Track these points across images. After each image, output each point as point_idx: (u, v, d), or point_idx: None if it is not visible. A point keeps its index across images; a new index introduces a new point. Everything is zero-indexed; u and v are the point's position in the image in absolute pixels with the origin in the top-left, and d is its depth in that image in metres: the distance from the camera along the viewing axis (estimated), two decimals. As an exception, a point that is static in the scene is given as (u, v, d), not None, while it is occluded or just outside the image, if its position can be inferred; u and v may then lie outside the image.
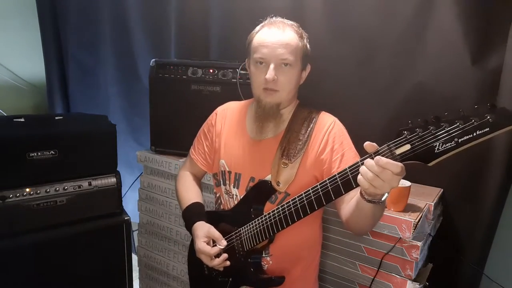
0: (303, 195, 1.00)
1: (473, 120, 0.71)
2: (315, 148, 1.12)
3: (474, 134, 0.71)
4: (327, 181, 0.94)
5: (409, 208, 1.32)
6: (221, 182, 1.26)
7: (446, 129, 0.74)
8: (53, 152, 1.58)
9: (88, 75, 2.76)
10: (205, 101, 1.72)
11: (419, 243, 1.25)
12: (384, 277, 1.33)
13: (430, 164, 0.77)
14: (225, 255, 1.13)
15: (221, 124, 1.27)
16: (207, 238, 1.15)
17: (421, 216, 1.28)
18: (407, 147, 0.79)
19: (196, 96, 1.77)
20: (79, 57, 2.77)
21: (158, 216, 1.97)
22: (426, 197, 1.43)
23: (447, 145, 0.74)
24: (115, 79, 2.61)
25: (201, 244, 1.14)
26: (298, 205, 1.01)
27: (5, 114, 2.56)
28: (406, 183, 1.33)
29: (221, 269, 1.16)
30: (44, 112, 2.94)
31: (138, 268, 2.14)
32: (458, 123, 0.73)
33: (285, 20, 1.14)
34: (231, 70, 1.72)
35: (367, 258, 1.37)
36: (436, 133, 0.75)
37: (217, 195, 1.30)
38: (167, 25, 2.24)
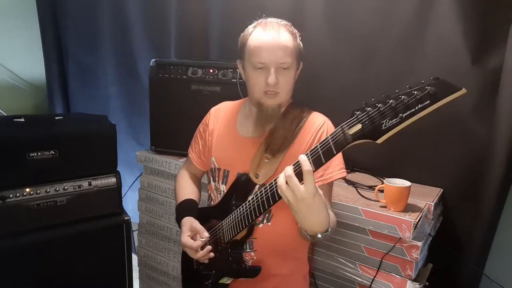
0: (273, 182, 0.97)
1: (415, 93, 0.71)
2: (302, 145, 1.13)
3: (416, 107, 0.71)
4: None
5: (409, 208, 1.32)
6: (211, 179, 1.28)
7: (392, 106, 0.74)
8: (53, 152, 1.58)
9: (88, 75, 2.76)
10: (205, 101, 1.71)
11: (419, 243, 1.25)
12: (384, 277, 1.33)
13: (378, 141, 0.77)
14: (208, 247, 1.13)
15: (213, 123, 1.29)
16: (191, 232, 1.16)
17: (421, 216, 1.28)
18: (358, 126, 0.79)
19: (196, 96, 1.77)
20: (79, 57, 2.77)
21: (158, 216, 1.97)
22: (426, 197, 1.43)
23: (392, 121, 0.74)
24: (115, 79, 2.61)
25: (185, 238, 1.15)
26: (269, 193, 0.98)
27: (5, 114, 2.56)
28: (406, 183, 1.33)
29: (206, 261, 1.17)
30: (44, 112, 2.94)
31: (138, 268, 2.14)
32: (402, 98, 0.73)
33: (279, 20, 1.13)
34: (231, 70, 1.72)
35: (367, 258, 1.37)
36: (383, 110, 0.75)
37: (209, 192, 1.32)
38: (167, 25, 2.24)
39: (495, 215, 1.44)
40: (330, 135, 0.84)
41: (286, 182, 0.86)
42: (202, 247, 1.14)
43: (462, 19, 1.41)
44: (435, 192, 1.50)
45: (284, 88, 1.11)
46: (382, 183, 1.40)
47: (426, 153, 1.57)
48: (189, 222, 1.18)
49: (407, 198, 1.32)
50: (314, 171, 0.84)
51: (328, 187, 1.14)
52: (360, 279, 1.38)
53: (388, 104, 0.75)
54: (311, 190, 0.83)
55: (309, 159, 0.85)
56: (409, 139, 1.51)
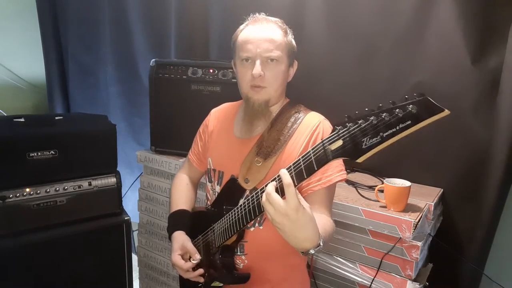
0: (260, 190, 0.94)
1: (397, 112, 0.68)
2: (297, 147, 1.09)
3: (397, 127, 0.68)
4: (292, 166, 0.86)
5: (409, 208, 1.33)
6: (208, 180, 1.27)
7: (373, 123, 0.70)
8: (53, 152, 1.58)
9: (88, 75, 2.77)
10: (205, 101, 1.72)
11: (419, 243, 1.25)
12: (384, 277, 1.33)
13: (358, 161, 0.74)
14: (200, 271, 1.13)
15: (213, 125, 1.29)
16: (182, 251, 1.16)
17: (421, 216, 1.28)
18: (340, 143, 0.75)
19: (196, 96, 1.77)
20: (79, 57, 2.77)
21: (158, 216, 1.97)
22: (426, 197, 1.43)
23: (373, 140, 0.70)
24: (115, 79, 2.61)
25: (175, 258, 1.14)
26: (255, 202, 0.95)
27: (5, 114, 2.56)
28: (406, 183, 1.33)
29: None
30: (44, 112, 2.94)
31: (138, 268, 2.14)
32: (383, 116, 0.69)
33: (269, 17, 1.13)
34: (231, 70, 1.72)
35: (367, 258, 1.37)
36: (364, 127, 0.71)
37: (206, 192, 1.32)
38: (167, 25, 2.24)
39: (495, 215, 1.44)
40: (312, 148, 0.80)
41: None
42: (194, 268, 1.13)
43: (462, 19, 1.42)
44: (435, 192, 1.50)
45: (271, 82, 1.09)
46: (382, 183, 1.40)
47: (426, 153, 1.57)
48: (181, 240, 1.17)
49: (407, 198, 1.32)
50: (296, 185, 0.80)
51: (327, 191, 1.08)
52: (360, 279, 1.38)
53: (369, 121, 0.71)
54: (292, 204, 0.77)
55: (291, 172, 0.82)
56: (409, 139, 1.49)
